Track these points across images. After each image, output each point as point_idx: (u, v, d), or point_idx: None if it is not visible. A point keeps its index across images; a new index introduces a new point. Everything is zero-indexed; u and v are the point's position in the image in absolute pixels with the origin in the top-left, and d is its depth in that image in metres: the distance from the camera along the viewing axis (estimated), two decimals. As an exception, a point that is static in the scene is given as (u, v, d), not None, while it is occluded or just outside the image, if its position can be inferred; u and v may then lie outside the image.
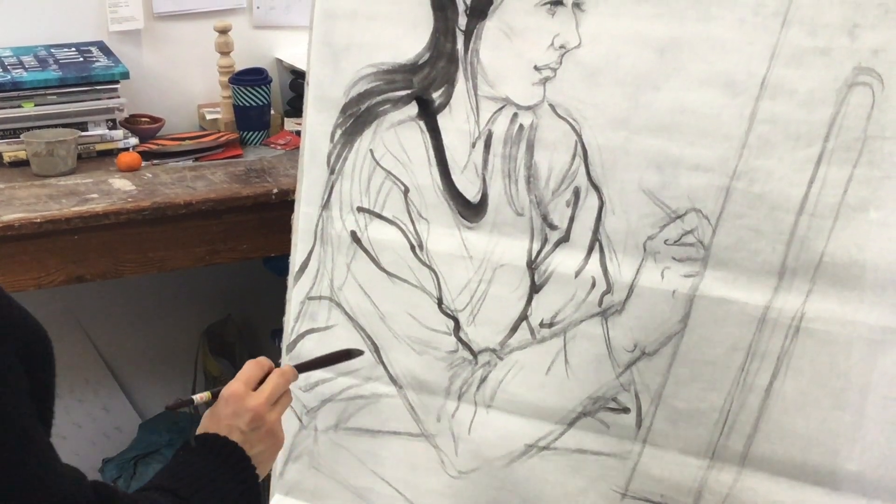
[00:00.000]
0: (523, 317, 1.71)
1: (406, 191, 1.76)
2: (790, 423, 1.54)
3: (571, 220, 1.66)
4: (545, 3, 1.63)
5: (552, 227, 1.68)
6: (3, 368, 1.04)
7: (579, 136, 1.63)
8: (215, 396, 1.45)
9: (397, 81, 1.75)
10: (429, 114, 1.74)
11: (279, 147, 2.79)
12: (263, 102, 2.81)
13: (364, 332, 1.83)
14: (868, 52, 1.44)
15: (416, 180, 1.76)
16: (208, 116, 2.89)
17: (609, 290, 1.64)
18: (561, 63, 1.63)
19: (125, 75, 2.66)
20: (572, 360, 1.69)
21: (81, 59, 2.69)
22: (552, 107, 1.65)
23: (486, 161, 1.71)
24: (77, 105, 2.62)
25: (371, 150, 1.78)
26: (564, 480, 1.72)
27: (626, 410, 1.66)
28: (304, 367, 1.59)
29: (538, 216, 1.68)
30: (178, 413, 2.92)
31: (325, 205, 1.84)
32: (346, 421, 1.88)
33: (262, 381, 1.46)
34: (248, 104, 2.80)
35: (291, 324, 1.90)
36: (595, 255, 1.65)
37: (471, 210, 1.73)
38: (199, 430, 1.42)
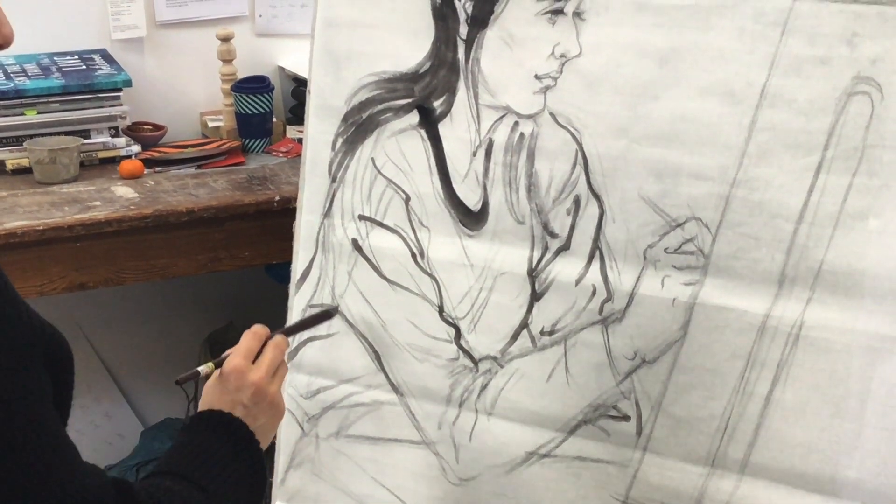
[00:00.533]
0: (524, 325, 1.72)
1: (407, 199, 1.77)
2: (790, 431, 1.54)
3: (572, 228, 1.66)
4: (546, 13, 1.63)
5: (553, 235, 1.68)
6: (33, 376, 1.08)
7: (580, 144, 1.64)
8: (219, 367, 1.47)
9: (398, 90, 1.76)
10: (430, 122, 1.74)
11: (281, 155, 2.80)
12: (265, 110, 2.82)
13: (365, 340, 1.84)
14: (867, 61, 1.44)
15: (418, 188, 1.76)
16: (210, 124, 2.89)
17: (609, 298, 1.65)
18: (561, 72, 1.64)
19: (128, 83, 2.67)
20: (573, 367, 1.69)
21: (84, 66, 2.70)
22: (553, 115, 1.65)
23: (486, 169, 1.71)
24: (80, 113, 2.63)
25: (372, 159, 1.79)
26: (565, 488, 1.72)
27: (626, 418, 1.66)
28: (289, 332, 1.63)
29: (539, 224, 1.69)
30: (186, 415, 2.92)
31: (327, 213, 1.84)
32: (347, 428, 1.88)
33: (260, 352, 1.49)
34: (250, 112, 2.80)
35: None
36: (595, 264, 1.65)
37: (472, 218, 1.73)
38: (202, 405, 1.44)
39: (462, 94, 1.71)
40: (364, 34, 1.78)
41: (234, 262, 2.53)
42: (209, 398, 1.45)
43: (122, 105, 2.67)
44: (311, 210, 1.87)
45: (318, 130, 1.84)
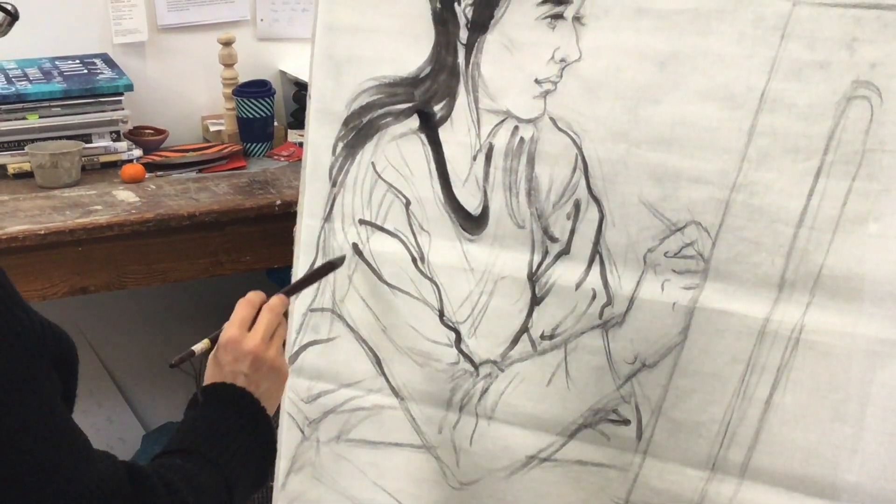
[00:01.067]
0: (524, 329, 1.72)
1: (407, 203, 1.77)
2: (790, 435, 1.54)
3: (572, 232, 1.66)
4: (546, 17, 1.64)
5: (553, 239, 1.68)
6: (42, 374, 1.11)
7: (580, 149, 1.64)
8: (214, 342, 1.49)
9: (399, 94, 1.76)
10: (430, 127, 1.75)
11: (283, 159, 2.81)
12: (267, 114, 2.83)
13: (366, 345, 1.84)
14: (866, 65, 1.44)
15: (418, 193, 1.76)
16: (212, 128, 2.90)
17: (609, 302, 1.65)
18: (561, 76, 1.64)
19: (129, 87, 2.67)
20: (573, 371, 1.69)
21: (86, 71, 2.70)
22: (553, 120, 1.65)
23: (487, 174, 1.71)
24: (81, 117, 2.64)
25: (373, 163, 1.79)
26: (565, 492, 1.72)
27: (626, 422, 1.66)
28: (291, 291, 1.66)
29: (539, 229, 1.69)
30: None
31: (327, 217, 1.85)
32: (347, 432, 1.88)
33: (256, 319, 1.51)
34: (251, 116, 2.81)
35: (293, 335, 1.90)
36: (595, 268, 1.65)
37: (472, 223, 1.73)
38: (206, 381, 1.46)
39: (462, 98, 1.72)
40: (364, 39, 1.78)
41: (236, 266, 2.53)
42: (210, 374, 1.47)
43: (123, 109, 2.68)
44: (311, 214, 1.87)
45: (319, 135, 1.85)
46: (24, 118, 2.59)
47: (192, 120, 2.95)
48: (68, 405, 1.18)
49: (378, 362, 1.84)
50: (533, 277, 1.70)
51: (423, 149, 1.75)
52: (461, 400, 1.78)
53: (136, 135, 2.76)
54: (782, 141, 1.50)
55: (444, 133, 1.74)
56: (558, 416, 1.71)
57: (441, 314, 1.77)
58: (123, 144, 2.68)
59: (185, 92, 2.93)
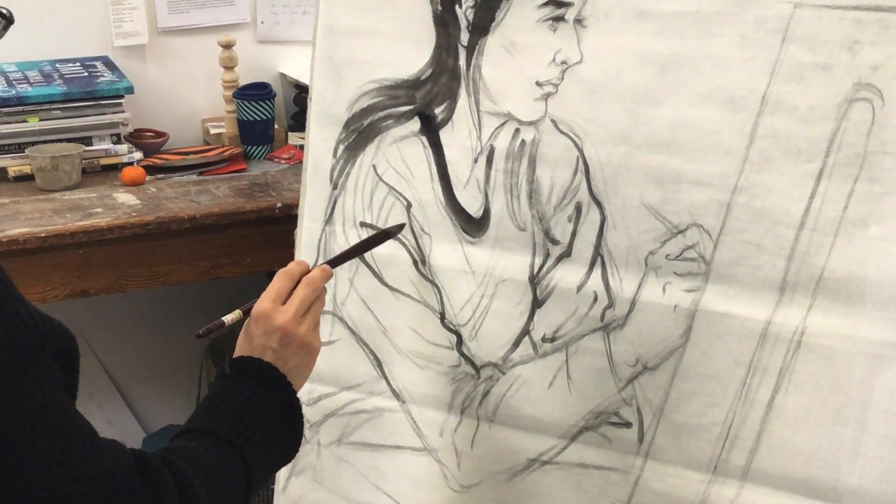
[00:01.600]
0: (525, 331, 1.72)
1: (409, 206, 1.77)
2: (791, 438, 1.54)
3: (573, 235, 1.66)
4: (547, 20, 1.64)
5: (554, 242, 1.68)
6: (44, 368, 1.11)
7: (581, 151, 1.64)
8: (246, 314, 1.46)
9: (400, 97, 1.76)
10: (431, 129, 1.75)
11: (283, 161, 2.80)
12: (267, 117, 2.82)
13: (367, 347, 1.84)
14: (868, 68, 1.44)
15: (419, 195, 1.76)
16: (212, 131, 2.90)
17: (611, 304, 1.65)
18: (562, 79, 1.64)
19: (130, 90, 2.67)
20: (574, 374, 1.69)
21: (86, 73, 2.70)
22: (554, 122, 1.65)
23: (488, 176, 1.71)
24: (82, 120, 2.64)
25: (374, 166, 1.79)
26: (567, 495, 1.72)
27: (627, 425, 1.66)
28: (337, 261, 1.60)
29: (540, 231, 1.69)
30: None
31: (328, 220, 1.85)
32: (348, 435, 1.88)
33: (292, 293, 1.47)
34: (252, 118, 2.81)
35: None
36: (597, 270, 1.65)
37: (473, 225, 1.73)
38: (235, 353, 1.44)
39: (463, 100, 1.72)
40: (365, 41, 1.78)
41: (236, 269, 2.53)
42: (239, 346, 1.45)
43: (123, 112, 2.68)
44: (312, 217, 1.87)
45: (320, 137, 1.85)
46: (24, 121, 2.59)
47: (193, 122, 2.94)
48: (70, 397, 1.18)
49: (379, 365, 1.84)
50: (534, 280, 1.70)
51: (424, 151, 1.75)
52: (462, 402, 1.78)
53: (136, 137, 2.76)
54: (783, 143, 1.50)
55: (445, 135, 1.74)
56: (559, 419, 1.71)
57: (442, 317, 1.77)
58: (124, 147, 2.68)
59: (186, 94, 2.92)
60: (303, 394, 1.88)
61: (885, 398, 1.48)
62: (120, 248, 2.39)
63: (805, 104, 1.48)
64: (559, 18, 1.63)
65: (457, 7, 1.70)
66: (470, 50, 1.70)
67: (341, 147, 1.82)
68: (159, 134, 2.83)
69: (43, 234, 2.29)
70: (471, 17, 1.69)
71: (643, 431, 1.65)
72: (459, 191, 1.73)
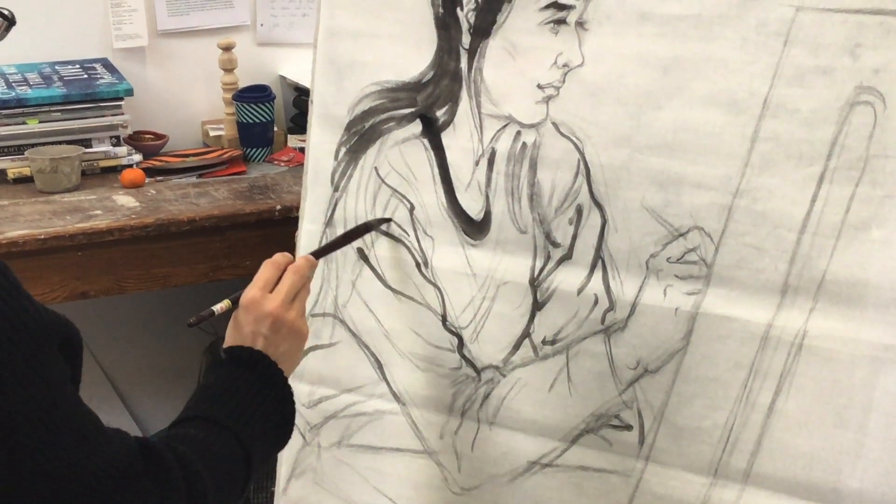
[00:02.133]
0: (526, 334, 1.72)
1: (412, 208, 1.77)
2: (793, 441, 1.54)
3: (574, 237, 1.66)
4: (548, 22, 1.64)
5: (555, 244, 1.68)
6: (51, 361, 1.13)
7: (582, 154, 1.64)
8: (235, 303, 1.50)
9: (401, 99, 1.76)
10: (433, 132, 1.75)
11: (282, 164, 2.80)
12: (267, 119, 2.82)
13: (367, 350, 1.84)
14: (870, 71, 1.44)
15: (421, 198, 1.76)
16: (212, 133, 2.90)
17: (611, 307, 1.65)
18: (564, 81, 1.64)
19: (129, 92, 2.67)
20: (575, 377, 1.69)
21: (86, 75, 2.70)
22: (555, 125, 1.65)
23: (489, 179, 1.71)
24: (81, 122, 2.63)
25: (376, 168, 1.79)
26: (567, 498, 1.72)
27: (628, 428, 1.66)
28: (321, 252, 1.65)
29: (541, 234, 1.69)
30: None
31: (329, 222, 1.85)
32: (349, 438, 1.88)
33: (279, 281, 1.52)
34: (251, 121, 2.81)
35: (294, 340, 1.90)
36: (598, 273, 1.65)
37: (474, 228, 1.73)
38: (225, 343, 1.48)
39: (465, 103, 1.72)
40: (367, 44, 1.78)
41: (236, 271, 2.53)
42: (229, 335, 1.49)
43: (123, 114, 2.67)
44: (312, 219, 1.87)
45: (321, 140, 1.85)
46: (24, 123, 2.58)
47: (192, 125, 2.94)
48: (74, 387, 1.20)
49: (380, 367, 1.83)
50: (535, 283, 1.70)
51: (425, 154, 1.75)
52: (463, 405, 1.78)
53: (135, 140, 2.76)
54: (785, 146, 1.50)
55: (446, 138, 1.74)
56: (560, 422, 1.71)
57: (444, 319, 1.77)
58: (123, 149, 2.68)
59: (185, 97, 2.92)
60: (303, 396, 1.89)
61: (887, 401, 1.48)
62: (119, 251, 2.39)
63: (807, 107, 1.48)
64: (561, 21, 1.63)
65: (458, 10, 1.70)
66: (471, 53, 1.70)
67: (343, 149, 1.82)
68: (159, 136, 2.83)
69: (42, 236, 2.29)
70: (472, 20, 1.69)
71: (644, 434, 1.65)
72: (461, 193, 1.73)
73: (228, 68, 2.83)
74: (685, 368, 1.60)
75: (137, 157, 2.70)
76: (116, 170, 2.65)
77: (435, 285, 1.77)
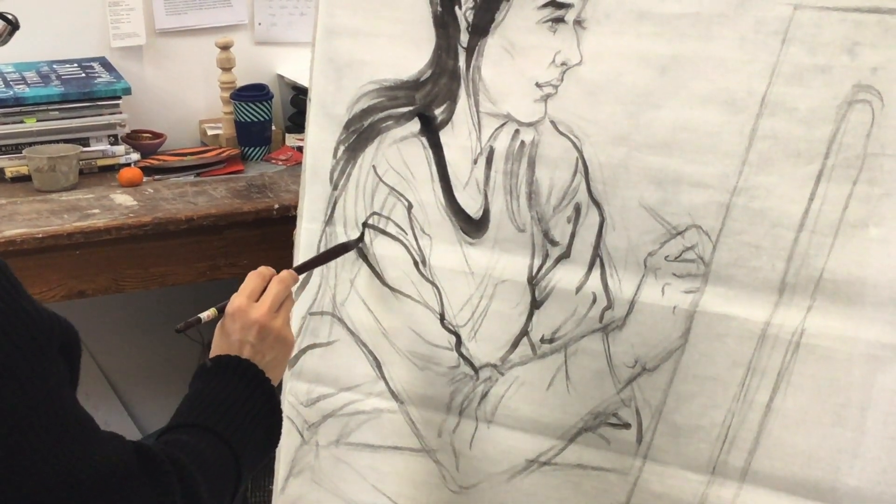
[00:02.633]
0: (524, 332, 1.72)
1: (409, 207, 1.77)
2: (790, 439, 1.54)
3: (572, 236, 1.66)
4: (547, 21, 1.64)
5: (553, 243, 1.68)
6: (50, 362, 1.13)
7: (580, 152, 1.64)
8: (221, 312, 1.52)
9: (399, 98, 1.76)
10: (431, 130, 1.75)
11: (280, 163, 2.81)
12: (265, 118, 2.83)
13: (366, 348, 1.84)
14: (868, 69, 1.44)
15: (419, 196, 1.76)
16: (210, 132, 2.90)
17: (610, 306, 1.65)
18: (562, 80, 1.64)
19: (127, 91, 2.67)
20: (573, 375, 1.69)
21: (83, 74, 2.70)
22: (553, 123, 1.65)
23: (487, 177, 1.71)
24: (79, 121, 2.64)
25: (374, 167, 1.79)
26: (565, 496, 1.72)
27: (626, 426, 1.66)
28: (302, 269, 1.70)
29: (539, 232, 1.69)
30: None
31: (329, 220, 1.85)
32: (347, 436, 1.88)
33: (264, 291, 1.54)
34: (249, 120, 2.81)
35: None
36: (596, 271, 1.65)
37: (472, 226, 1.73)
38: (212, 352, 1.49)
39: (463, 101, 1.72)
40: (365, 42, 1.78)
41: (233, 270, 2.53)
42: (216, 343, 1.50)
43: (121, 113, 2.68)
44: (311, 218, 1.87)
45: (319, 138, 1.85)
46: (21, 122, 2.59)
47: (190, 124, 2.95)
48: (72, 390, 1.20)
49: (378, 366, 1.84)
50: (533, 281, 1.70)
51: (424, 152, 1.75)
52: (461, 403, 1.78)
53: (133, 138, 2.76)
54: (783, 145, 1.50)
55: (444, 136, 1.74)
56: (558, 420, 1.71)
57: (442, 317, 1.77)
58: (121, 148, 2.68)
59: (183, 96, 2.93)
60: (301, 394, 1.90)
61: (885, 399, 1.48)
62: (117, 249, 2.39)
63: (805, 106, 1.48)
64: (559, 20, 1.63)
65: (457, 8, 1.70)
66: (470, 51, 1.70)
67: (341, 148, 1.82)
68: (157, 135, 2.83)
69: (40, 235, 2.29)
70: (470, 19, 1.69)
71: (642, 432, 1.65)
72: (459, 192, 1.73)
73: (226, 67, 2.83)
74: (683, 367, 1.60)
75: (135, 156, 2.70)
76: (114, 169, 2.66)
77: (433, 284, 1.77)
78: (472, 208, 1.73)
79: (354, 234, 1.82)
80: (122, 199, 2.49)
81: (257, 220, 2.48)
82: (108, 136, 2.68)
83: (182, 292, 2.96)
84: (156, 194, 2.53)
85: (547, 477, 1.73)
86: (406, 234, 1.78)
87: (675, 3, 1.54)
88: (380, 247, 1.80)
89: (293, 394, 1.91)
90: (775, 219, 1.51)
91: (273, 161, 2.82)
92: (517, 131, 1.69)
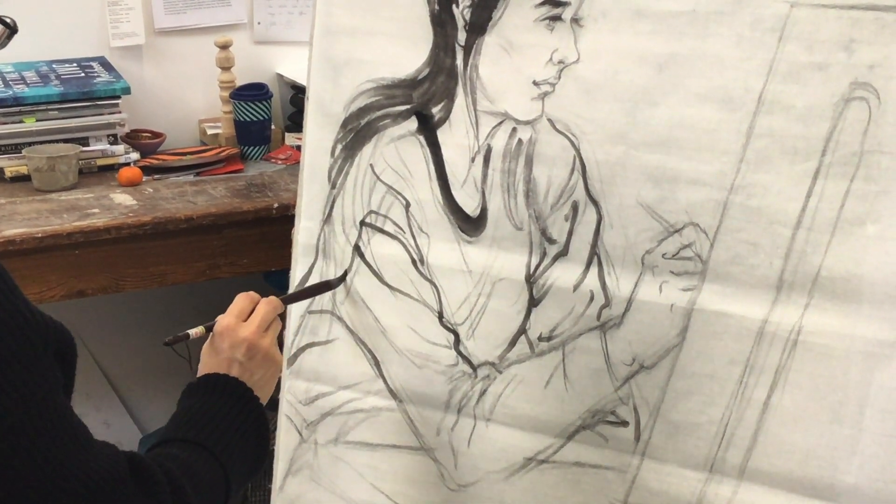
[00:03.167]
0: (522, 330, 1.72)
1: (407, 205, 1.77)
2: (788, 437, 1.54)
3: (570, 234, 1.66)
4: (544, 19, 1.64)
5: (551, 241, 1.68)
6: (45, 368, 1.13)
7: (577, 150, 1.64)
8: (209, 330, 1.53)
9: (397, 96, 1.76)
10: (428, 128, 1.75)
11: (280, 162, 2.81)
12: (264, 117, 2.83)
13: (364, 346, 1.84)
14: (865, 67, 1.44)
15: (417, 195, 1.76)
16: (209, 131, 2.90)
17: (607, 303, 1.65)
18: (559, 78, 1.64)
19: (126, 90, 2.68)
20: (571, 373, 1.69)
21: (83, 74, 2.70)
22: (551, 122, 1.65)
23: (485, 175, 1.71)
24: (78, 120, 2.64)
25: (371, 165, 1.79)
26: (563, 494, 1.72)
27: (624, 424, 1.66)
28: (287, 300, 1.72)
29: (537, 230, 1.69)
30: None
31: (327, 219, 1.85)
32: (345, 435, 1.88)
33: (252, 312, 1.56)
34: (248, 119, 2.81)
35: (291, 338, 1.90)
36: (593, 269, 1.65)
37: (470, 224, 1.73)
38: (200, 369, 1.50)
39: (460, 100, 1.72)
40: (363, 41, 1.78)
41: (233, 269, 2.53)
42: (205, 361, 1.52)
43: (120, 112, 2.68)
44: (310, 217, 1.87)
45: (317, 137, 1.85)
46: (21, 121, 2.59)
47: (190, 123, 2.95)
48: (66, 398, 1.20)
49: (376, 364, 1.84)
50: (531, 279, 1.70)
51: (421, 151, 1.75)
52: (459, 402, 1.78)
53: (133, 138, 2.77)
54: (780, 143, 1.50)
55: (442, 135, 1.74)
56: (556, 418, 1.71)
57: (440, 316, 1.77)
58: (120, 148, 2.68)
59: (183, 95, 2.93)
60: (300, 393, 1.90)
61: (882, 397, 1.48)
62: (117, 249, 2.39)
63: (802, 103, 1.48)
64: (556, 18, 1.63)
65: (454, 7, 1.70)
66: (467, 49, 1.70)
67: (339, 146, 1.82)
68: (156, 134, 2.83)
69: (40, 235, 2.29)
70: (468, 17, 1.69)
71: (640, 430, 1.65)
72: (457, 190, 1.73)
73: (226, 66, 2.83)
74: (681, 364, 1.60)
75: (135, 156, 2.71)
76: (114, 168, 2.66)
77: (431, 282, 1.77)
78: (470, 206, 1.73)
79: (353, 233, 1.82)
80: (122, 198, 2.50)
81: (257, 219, 2.49)
82: (108, 136, 2.68)
83: (182, 291, 2.97)
84: (155, 194, 2.53)
85: (545, 475, 1.73)
86: (404, 232, 1.78)
87: (672, 1, 1.54)
88: (378, 245, 1.80)
89: (292, 392, 1.91)
90: (772, 216, 1.51)
91: (272, 160, 2.82)
92: (514, 129, 1.69)
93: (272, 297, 1.60)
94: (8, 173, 2.57)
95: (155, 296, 2.99)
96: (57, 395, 1.14)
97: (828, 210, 1.48)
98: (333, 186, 1.84)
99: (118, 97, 2.66)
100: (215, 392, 1.44)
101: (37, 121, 2.59)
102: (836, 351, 1.50)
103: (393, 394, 1.83)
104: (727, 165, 1.53)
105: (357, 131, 1.80)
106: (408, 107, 1.76)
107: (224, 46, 2.81)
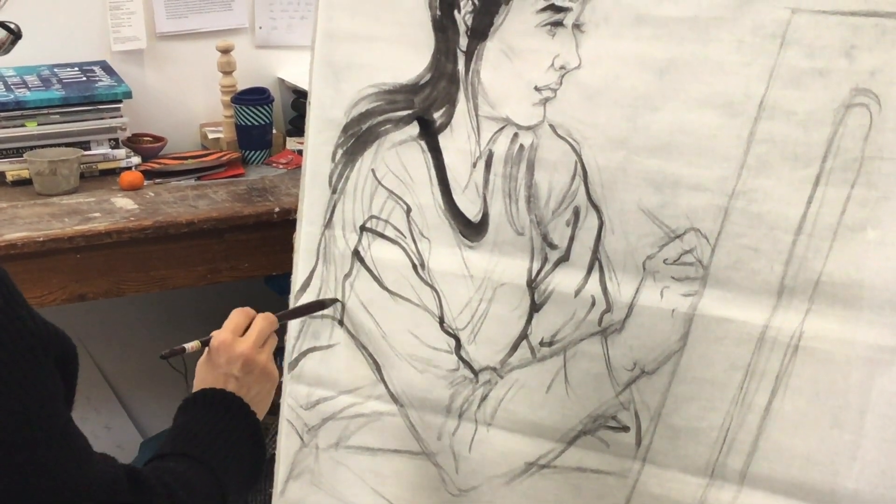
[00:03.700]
0: (523, 335, 1.72)
1: (408, 210, 1.77)
2: (789, 442, 1.54)
3: (571, 239, 1.67)
4: (545, 24, 1.64)
5: (552, 246, 1.68)
6: (46, 375, 1.13)
7: (579, 156, 1.64)
8: (205, 345, 1.54)
9: (398, 101, 1.76)
10: (430, 134, 1.75)
11: (281, 166, 2.81)
12: (265, 122, 2.83)
13: (365, 351, 1.84)
14: (865, 73, 1.44)
15: (418, 200, 1.76)
16: (210, 136, 2.90)
17: (609, 309, 1.65)
18: (561, 84, 1.64)
19: (128, 95, 2.68)
20: (572, 378, 1.69)
21: (84, 78, 2.70)
22: (552, 127, 1.66)
23: (486, 181, 1.72)
24: (80, 124, 2.64)
25: (373, 170, 1.79)
26: (564, 499, 1.72)
27: (625, 429, 1.66)
28: (282, 317, 1.71)
29: (538, 236, 1.69)
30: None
31: (328, 224, 1.85)
32: (347, 439, 1.88)
33: (248, 328, 1.56)
34: (250, 123, 2.81)
35: (293, 342, 1.91)
36: (595, 275, 1.65)
37: (472, 229, 1.74)
38: (196, 384, 1.51)
39: (462, 105, 1.72)
40: (364, 46, 1.79)
41: (234, 273, 2.53)
42: (201, 376, 1.52)
43: (122, 116, 2.68)
44: (311, 221, 1.87)
45: (319, 141, 1.85)
46: (22, 125, 2.59)
47: (191, 127, 2.95)
48: (67, 407, 1.19)
49: (378, 369, 1.84)
50: (532, 284, 1.70)
51: (422, 156, 1.75)
52: (460, 406, 1.78)
53: (134, 142, 2.77)
54: (781, 148, 1.50)
55: (443, 140, 1.74)
56: (557, 423, 1.71)
57: (441, 321, 1.77)
58: (122, 152, 2.68)
59: (184, 99, 2.93)
60: (301, 397, 1.90)
61: (883, 402, 1.48)
62: (118, 253, 2.39)
63: (802, 109, 1.48)
64: (557, 23, 1.63)
65: (455, 12, 1.70)
66: (469, 55, 1.71)
67: (340, 151, 1.83)
68: (157, 139, 2.83)
69: (41, 239, 2.29)
70: (469, 23, 1.69)
71: (641, 435, 1.65)
72: (458, 195, 1.74)
73: (227, 71, 2.83)
74: (682, 370, 1.60)
75: (136, 160, 2.71)
76: (115, 172, 2.66)
77: (432, 287, 1.77)
78: (471, 212, 1.73)
79: (353, 238, 1.82)
80: (123, 202, 2.50)
81: (258, 223, 2.48)
82: (109, 140, 2.68)
83: (183, 295, 2.97)
84: (156, 198, 2.53)
85: (546, 480, 1.73)
86: (405, 237, 1.78)
87: (673, 6, 1.54)
88: (379, 250, 1.80)
89: (293, 397, 1.91)
90: (773, 222, 1.52)
91: (274, 164, 2.82)
92: (516, 135, 1.69)
93: (268, 314, 1.61)
94: (9, 177, 2.57)
95: (156, 300, 2.99)
96: (56, 405, 1.14)
97: (829, 215, 1.48)
98: (334, 191, 1.84)
99: (120, 101, 2.66)
100: (212, 407, 1.44)
101: (38, 125, 2.59)
102: (836, 356, 1.50)
103: (394, 398, 1.84)
104: (728, 171, 1.54)
105: (358, 136, 1.80)
106: (409, 112, 1.76)
107: (225, 51, 2.81)
